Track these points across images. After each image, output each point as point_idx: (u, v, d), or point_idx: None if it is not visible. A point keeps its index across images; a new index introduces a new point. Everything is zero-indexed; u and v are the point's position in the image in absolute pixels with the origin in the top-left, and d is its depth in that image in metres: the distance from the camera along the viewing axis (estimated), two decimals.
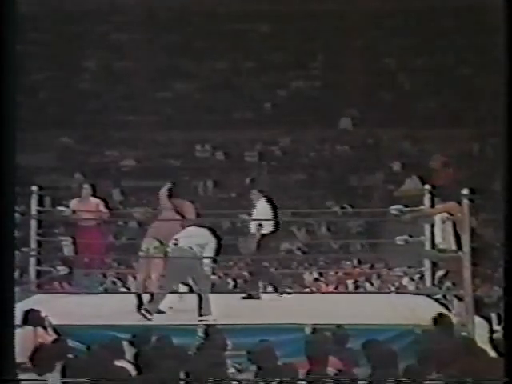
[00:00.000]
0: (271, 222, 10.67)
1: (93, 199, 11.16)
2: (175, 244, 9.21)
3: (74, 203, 11.18)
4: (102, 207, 11.20)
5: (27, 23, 15.55)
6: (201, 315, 8.89)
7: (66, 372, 5.58)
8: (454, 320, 8.21)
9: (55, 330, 7.58)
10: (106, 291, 12.74)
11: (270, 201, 10.29)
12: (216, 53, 25.29)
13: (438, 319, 7.54)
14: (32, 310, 7.81)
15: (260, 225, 10.55)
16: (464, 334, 7.80)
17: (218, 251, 9.36)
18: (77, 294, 10.63)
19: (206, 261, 9.44)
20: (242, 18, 25.68)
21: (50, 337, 7.23)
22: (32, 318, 7.53)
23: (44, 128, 22.69)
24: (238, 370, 5.91)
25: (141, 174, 23.76)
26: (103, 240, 11.67)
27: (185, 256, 9.07)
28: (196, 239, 9.23)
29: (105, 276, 13.90)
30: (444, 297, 10.47)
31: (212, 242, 9.29)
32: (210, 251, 9.28)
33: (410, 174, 21.16)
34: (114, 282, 14.76)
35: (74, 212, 11.10)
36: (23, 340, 6.56)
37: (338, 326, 7.52)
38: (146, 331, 7.35)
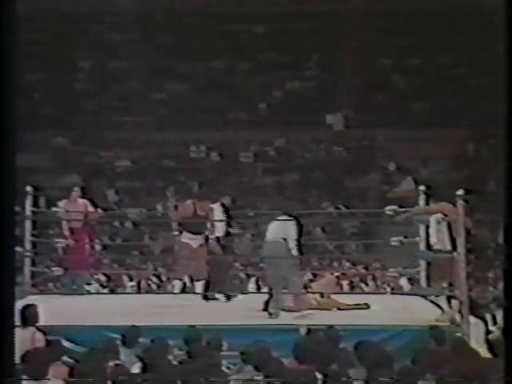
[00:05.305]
0: None
1: (80, 200, 11.12)
2: None
3: (62, 204, 11.15)
4: (89, 208, 11.16)
5: (22, 24, 15.51)
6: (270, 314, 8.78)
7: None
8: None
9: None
10: (99, 292, 12.72)
11: None
12: (211, 53, 25.29)
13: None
14: (28, 305, 7.75)
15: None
16: (458, 334, 7.81)
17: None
18: (71, 295, 10.61)
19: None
20: (237, 18, 25.70)
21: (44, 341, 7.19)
22: (28, 312, 7.50)
23: (39, 128, 22.64)
24: (236, 371, 5.92)
25: (136, 174, 23.78)
26: (92, 241, 11.60)
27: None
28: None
29: (92, 276, 13.83)
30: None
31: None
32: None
33: (405, 175, 21.19)
34: (107, 283, 14.77)
35: (67, 212, 11.07)
36: (20, 342, 6.53)
37: (332, 326, 7.52)
38: (143, 332, 7.34)
